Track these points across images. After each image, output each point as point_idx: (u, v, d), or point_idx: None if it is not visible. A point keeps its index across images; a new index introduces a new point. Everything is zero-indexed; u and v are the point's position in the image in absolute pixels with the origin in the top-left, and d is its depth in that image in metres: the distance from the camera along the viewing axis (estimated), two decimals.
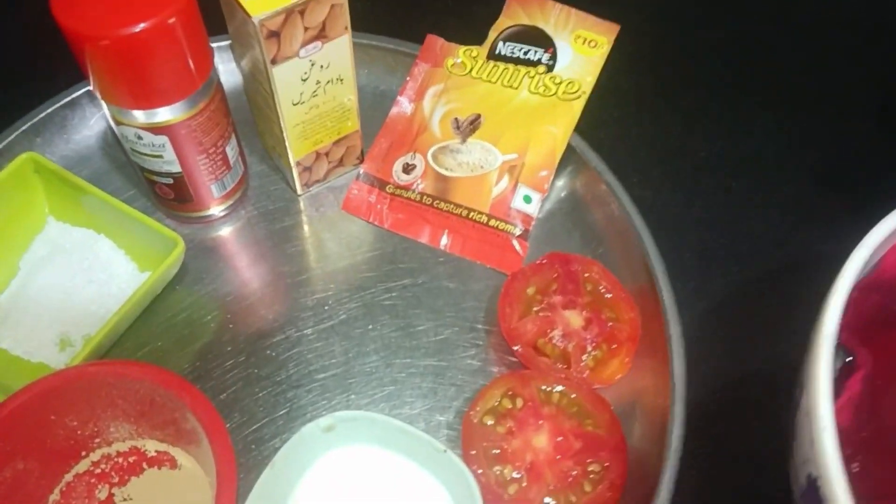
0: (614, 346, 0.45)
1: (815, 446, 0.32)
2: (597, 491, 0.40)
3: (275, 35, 0.41)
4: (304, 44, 0.42)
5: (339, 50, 0.44)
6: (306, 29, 0.42)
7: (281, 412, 0.45)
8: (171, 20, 0.38)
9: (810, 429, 0.33)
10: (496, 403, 0.42)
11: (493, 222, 0.51)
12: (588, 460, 0.41)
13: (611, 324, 0.45)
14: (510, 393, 0.43)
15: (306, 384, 0.46)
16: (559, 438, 0.41)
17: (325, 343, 0.47)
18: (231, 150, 0.48)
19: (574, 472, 0.40)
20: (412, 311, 0.49)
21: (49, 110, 0.53)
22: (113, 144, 0.54)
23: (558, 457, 0.41)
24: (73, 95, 0.54)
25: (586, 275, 0.46)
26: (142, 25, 0.37)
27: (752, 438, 0.46)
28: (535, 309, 0.46)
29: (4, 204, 0.47)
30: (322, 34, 0.43)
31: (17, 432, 0.38)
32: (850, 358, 0.39)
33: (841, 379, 0.37)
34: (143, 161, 0.45)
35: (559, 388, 0.43)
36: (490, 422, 0.42)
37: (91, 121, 0.55)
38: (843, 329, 0.37)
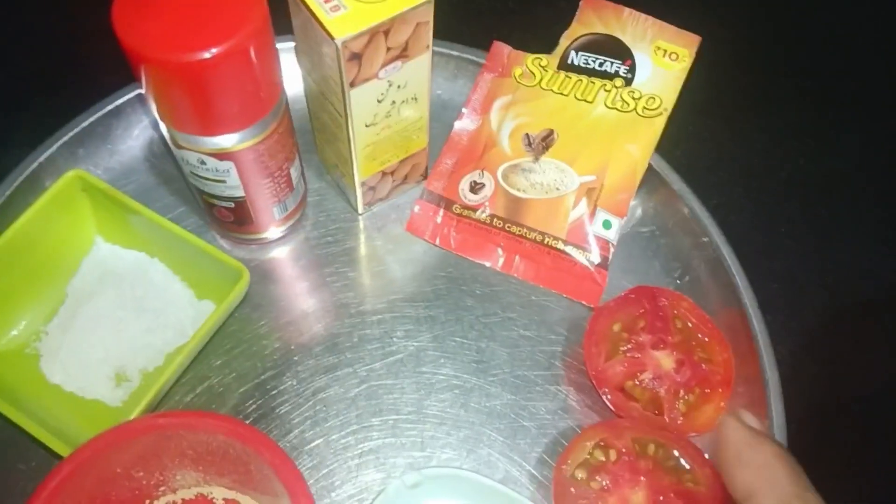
0: (708, 391, 0.42)
1: None
2: None
3: (356, 57, 0.37)
4: (385, 64, 0.39)
5: (419, 69, 0.41)
6: (388, 49, 0.38)
7: (352, 454, 0.42)
8: (246, 43, 0.35)
9: None
10: (588, 455, 0.40)
11: (569, 249, 0.47)
12: None
13: (704, 366, 0.42)
14: (602, 444, 0.40)
15: (377, 425, 0.43)
16: (660, 498, 0.38)
17: (395, 380, 0.45)
18: (294, 171, 0.44)
19: None
20: (485, 345, 0.46)
21: (92, 119, 0.50)
22: (160, 156, 0.51)
23: None
24: (118, 102, 0.51)
25: (675, 311, 0.44)
26: (214, 50, 0.34)
27: (853, 467, 0.44)
28: (622, 349, 0.43)
29: (51, 226, 0.44)
30: (403, 53, 0.39)
31: (83, 486, 0.35)
32: None
33: None
34: (203, 185, 0.42)
35: (654, 440, 0.40)
36: (582, 476, 0.39)
37: (136, 130, 0.51)
38: None
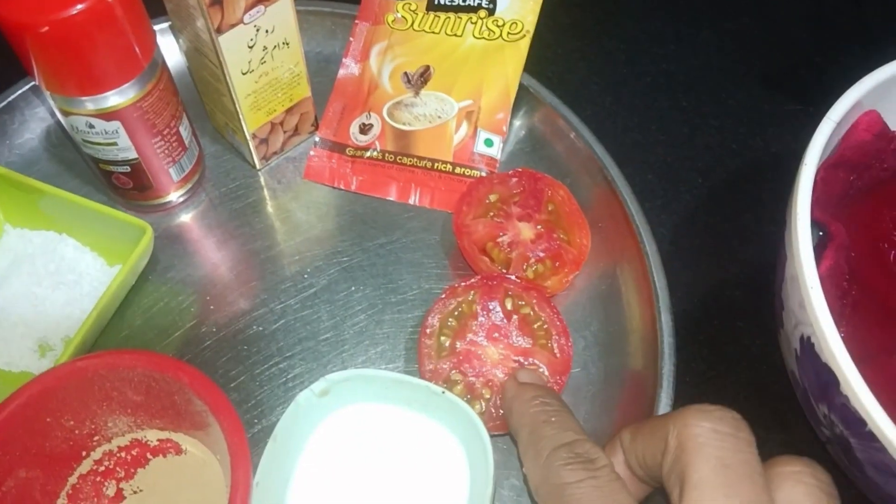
0: (557, 264, 0.46)
1: (804, 304, 0.34)
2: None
3: (217, 3, 0.40)
4: (247, 9, 0.42)
5: (282, 12, 0.44)
6: None
7: (278, 384, 0.45)
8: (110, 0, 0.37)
9: (798, 291, 0.34)
10: (450, 317, 0.44)
11: (458, 170, 0.51)
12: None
13: (560, 243, 0.46)
14: (462, 304, 0.44)
15: (298, 353, 0.46)
16: (514, 355, 0.43)
17: (310, 311, 0.47)
18: (185, 131, 0.47)
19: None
20: (392, 268, 0.49)
21: None
22: (58, 144, 0.53)
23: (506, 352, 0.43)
24: (9, 99, 0.52)
25: (550, 193, 0.47)
26: (80, 7, 0.36)
27: (740, 336, 0.48)
28: (490, 214, 0.47)
29: None
30: None
31: (14, 440, 0.37)
32: (823, 233, 0.40)
33: (818, 251, 0.38)
34: (97, 151, 0.44)
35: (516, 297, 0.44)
36: (445, 339, 0.43)
37: (32, 123, 0.53)
38: (814, 206, 0.38)
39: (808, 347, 0.35)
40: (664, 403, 0.42)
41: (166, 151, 0.46)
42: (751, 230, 0.51)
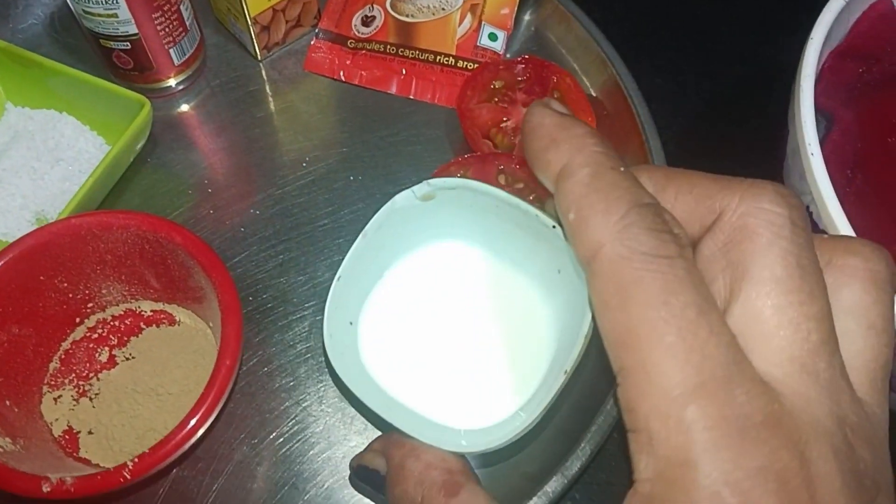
0: None
1: (805, 174, 0.33)
2: None
3: None
4: None
5: None
6: None
7: (273, 265, 0.45)
8: None
9: (799, 162, 0.34)
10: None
11: (461, 63, 0.50)
12: None
13: None
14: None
15: (295, 237, 0.46)
16: None
17: (308, 198, 0.47)
18: (186, 11, 0.46)
19: None
20: (392, 160, 0.48)
21: None
22: (62, 31, 0.52)
23: None
24: None
25: (555, 79, 0.47)
26: None
27: None
28: (495, 100, 0.47)
29: None
30: None
31: (8, 293, 0.37)
32: (828, 122, 0.40)
33: (822, 135, 0.38)
34: (97, 25, 0.44)
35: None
36: None
37: (35, 8, 0.53)
38: (820, 94, 0.37)
39: (808, 216, 0.34)
40: None
41: (167, 30, 0.45)
42: (758, 134, 0.50)
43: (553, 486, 0.37)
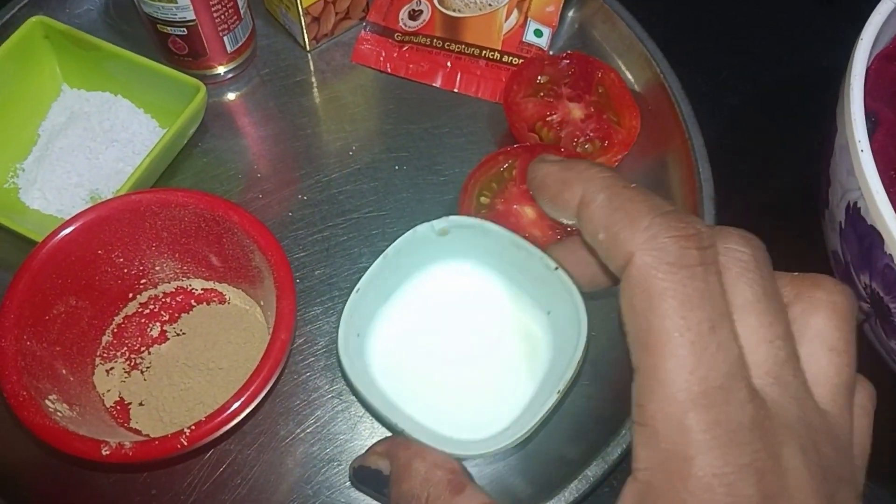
0: (606, 144, 0.46)
1: (852, 169, 0.34)
2: None
3: None
4: None
5: None
6: None
7: (320, 249, 0.46)
8: None
9: (847, 158, 0.34)
10: (493, 180, 0.44)
11: (506, 58, 0.51)
12: None
13: (610, 124, 0.47)
14: (506, 166, 0.44)
15: (341, 223, 0.47)
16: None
17: (354, 185, 0.48)
18: (241, 0, 0.47)
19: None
20: (436, 152, 0.49)
21: None
22: (116, 17, 0.53)
23: None
24: None
25: (600, 73, 0.47)
26: None
27: (779, 232, 0.48)
28: (541, 94, 0.48)
29: (16, 71, 0.47)
30: None
31: (68, 265, 0.38)
32: (874, 121, 0.40)
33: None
34: (156, 10, 0.45)
35: None
36: (485, 199, 0.44)
37: None
38: (866, 96, 0.38)
39: (854, 214, 0.35)
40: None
41: (222, 17, 0.47)
42: (798, 135, 0.50)
43: (594, 470, 0.37)
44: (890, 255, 0.33)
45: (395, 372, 0.37)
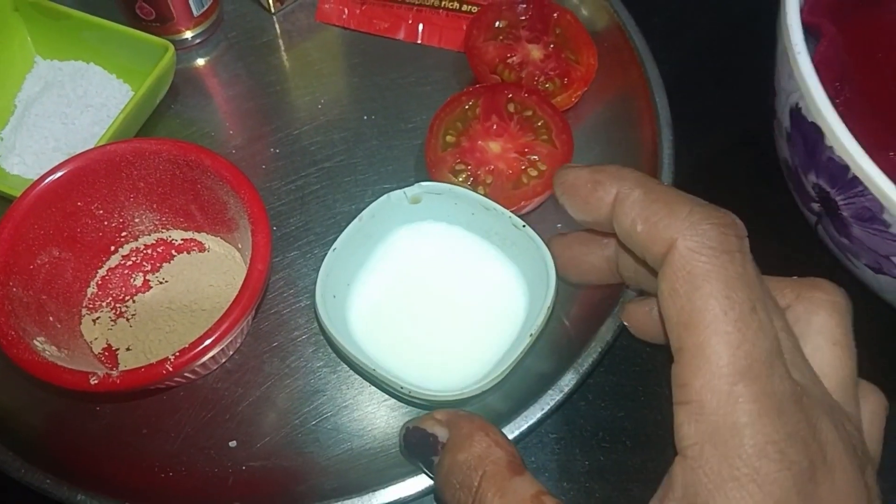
0: (566, 81, 0.48)
1: (793, 72, 0.35)
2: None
3: None
4: None
5: None
6: None
7: (295, 198, 0.47)
8: None
9: (787, 62, 0.36)
10: (458, 119, 0.46)
11: (465, 7, 0.53)
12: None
13: (569, 62, 0.48)
14: (471, 104, 0.46)
15: (314, 172, 0.48)
16: (515, 149, 0.45)
17: (324, 136, 0.49)
18: None
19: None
20: (403, 101, 0.51)
21: None
22: None
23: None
24: None
25: (556, 15, 0.49)
26: None
27: (738, 159, 0.49)
28: (500, 37, 0.49)
29: None
30: None
31: (49, 215, 0.39)
32: (815, 37, 0.42)
33: (809, 48, 0.40)
34: None
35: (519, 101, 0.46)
36: (451, 138, 0.45)
37: None
38: (808, 13, 0.40)
39: (797, 114, 0.37)
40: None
41: None
42: (759, 71, 0.52)
43: (567, 380, 0.39)
44: (830, 146, 0.35)
45: (374, 329, 0.40)
